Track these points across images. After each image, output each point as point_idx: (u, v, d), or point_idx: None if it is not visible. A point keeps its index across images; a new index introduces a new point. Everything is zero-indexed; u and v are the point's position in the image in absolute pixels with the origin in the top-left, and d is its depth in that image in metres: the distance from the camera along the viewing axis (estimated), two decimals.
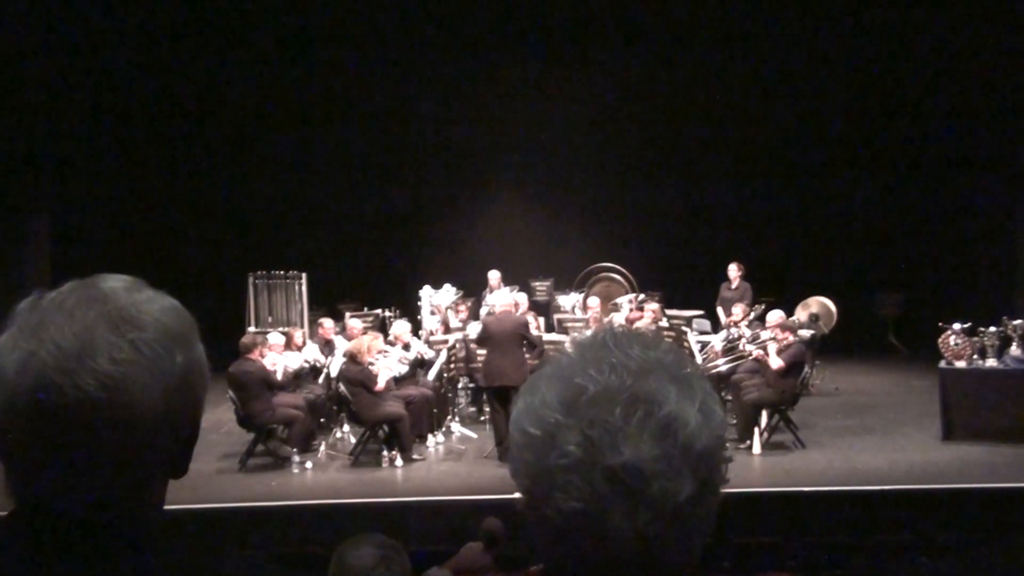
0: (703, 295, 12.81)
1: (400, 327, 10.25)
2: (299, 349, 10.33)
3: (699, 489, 1.07)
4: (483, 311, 11.84)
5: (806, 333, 10.87)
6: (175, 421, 1.16)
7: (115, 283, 1.18)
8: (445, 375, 10.13)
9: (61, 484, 1.11)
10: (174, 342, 1.16)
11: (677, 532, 1.07)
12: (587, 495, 1.05)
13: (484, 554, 5.88)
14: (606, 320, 11.63)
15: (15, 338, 1.12)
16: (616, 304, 12.38)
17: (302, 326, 11.49)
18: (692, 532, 1.09)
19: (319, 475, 8.95)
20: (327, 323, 10.89)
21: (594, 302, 12.09)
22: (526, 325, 9.50)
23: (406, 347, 9.94)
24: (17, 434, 1.10)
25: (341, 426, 10.06)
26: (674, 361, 1.12)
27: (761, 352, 9.53)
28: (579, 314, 12.02)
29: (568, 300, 12.93)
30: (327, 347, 10.48)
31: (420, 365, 10.01)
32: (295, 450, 9.10)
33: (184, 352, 1.17)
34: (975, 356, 9.34)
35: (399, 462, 9.02)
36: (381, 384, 9.11)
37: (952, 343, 9.42)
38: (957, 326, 9.48)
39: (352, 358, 9.19)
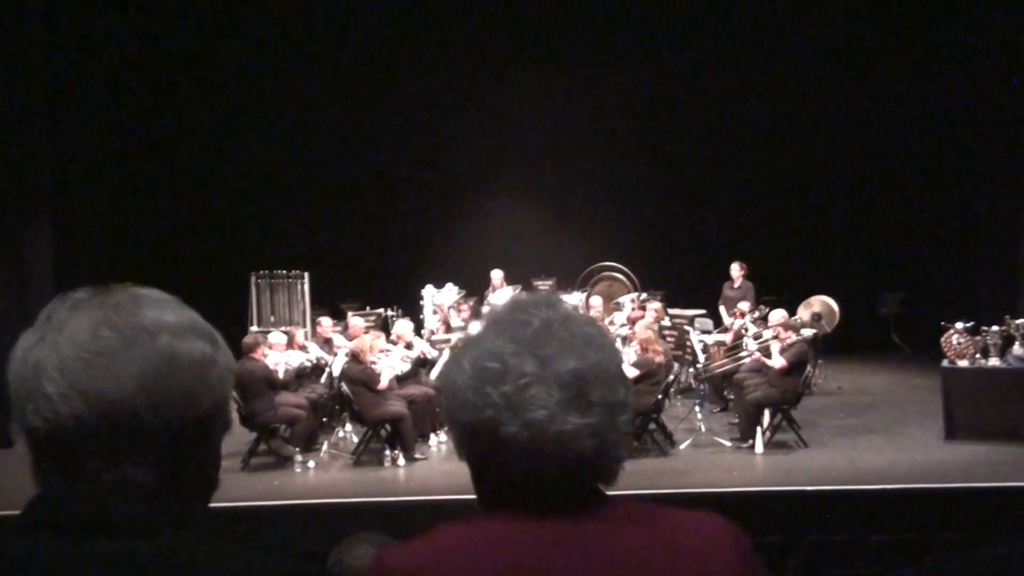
0: (706, 294, 12.82)
1: (402, 326, 10.26)
2: (303, 348, 10.34)
3: (624, 395, 1.31)
4: (485, 310, 11.82)
5: (808, 332, 10.84)
6: (178, 423, 1.19)
7: (132, 291, 1.22)
8: None
9: (72, 480, 1.15)
10: (190, 346, 1.20)
11: (616, 432, 1.30)
12: (547, 403, 1.25)
13: None
14: (607, 319, 11.64)
15: (32, 340, 1.17)
16: (618, 303, 12.38)
17: (304, 325, 11.50)
18: (624, 434, 1.32)
19: (321, 474, 8.95)
20: (325, 322, 10.91)
21: (596, 301, 12.09)
22: None
23: (408, 346, 9.95)
24: (38, 432, 1.15)
25: (343, 425, 10.06)
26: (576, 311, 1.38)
27: (762, 354, 9.53)
28: None
29: (570, 299, 12.92)
30: (326, 345, 10.50)
31: (422, 364, 10.02)
32: (297, 449, 9.10)
33: (202, 358, 1.22)
34: (977, 355, 9.33)
35: (401, 461, 9.02)
36: (383, 383, 9.11)
37: (954, 342, 9.41)
38: (959, 325, 9.47)
39: (355, 357, 9.20)
